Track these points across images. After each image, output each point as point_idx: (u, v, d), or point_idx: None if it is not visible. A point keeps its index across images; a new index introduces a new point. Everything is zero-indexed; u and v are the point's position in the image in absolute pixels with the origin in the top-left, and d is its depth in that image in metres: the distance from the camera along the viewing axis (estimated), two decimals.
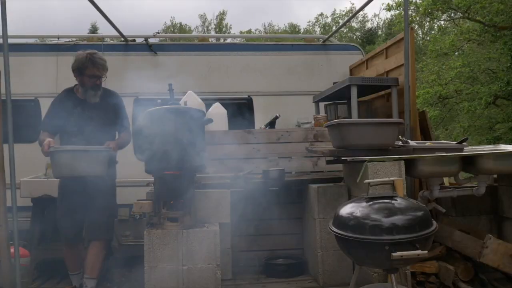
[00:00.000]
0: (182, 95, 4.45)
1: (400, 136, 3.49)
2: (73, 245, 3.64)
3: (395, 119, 4.25)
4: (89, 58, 3.54)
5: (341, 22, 29.14)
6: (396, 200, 2.48)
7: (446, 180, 4.25)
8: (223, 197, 3.53)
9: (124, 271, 4.57)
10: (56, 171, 3.32)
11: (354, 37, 30.95)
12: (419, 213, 2.41)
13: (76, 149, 3.31)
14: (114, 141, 3.59)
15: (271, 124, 5.10)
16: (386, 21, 30.27)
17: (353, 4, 31.46)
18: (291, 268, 3.86)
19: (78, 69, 3.55)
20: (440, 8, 14.50)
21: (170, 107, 3.27)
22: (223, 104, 4.74)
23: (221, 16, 36.15)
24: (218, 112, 4.60)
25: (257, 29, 36.72)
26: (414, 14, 15.41)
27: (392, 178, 2.67)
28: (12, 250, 3.42)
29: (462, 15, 14.73)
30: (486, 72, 15.12)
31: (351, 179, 3.50)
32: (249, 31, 34.05)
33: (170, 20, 35.90)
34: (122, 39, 5.57)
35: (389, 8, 16.73)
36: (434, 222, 2.46)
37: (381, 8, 33.22)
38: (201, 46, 5.91)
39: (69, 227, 3.54)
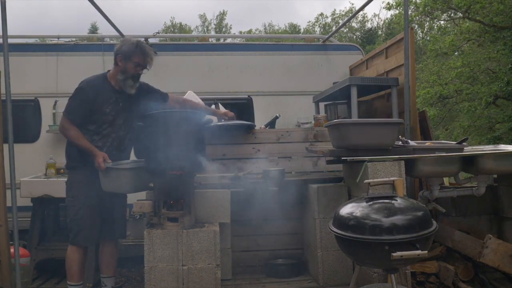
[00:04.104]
0: (182, 95, 4.45)
1: (400, 136, 3.49)
2: (87, 248, 3.44)
3: (395, 119, 4.24)
4: (139, 45, 3.36)
5: (341, 22, 29.14)
6: (396, 200, 2.48)
7: (446, 180, 4.25)
8: (223, 197, 3.53)
9: (124, 271, 4.58)
10: (111, 186, 3.26)
11: (354, 37, 30.93)
12: (419, 213, 2.41)
13: (137, 167, 3.27)
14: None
15: (271, 124, 5.10)
16: (386, 21, 30.29)
17: (352, 4, 31.45)
18: (291, 268, 3.86)
19: (125, 54, 3.32)
20: (440, 7, 14.50)
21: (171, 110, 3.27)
22: (223, 104, 4.74)
23: (221, 16, 36.16)
24: None
25: (257, 29, 36.73)
26: (414, 13, 15.40)
27: (392, 178, 2.67)
28: (12, 250, 3.42)
29: (462, 15, 14.74)
30: (486, 72, 15.12)
31: (351, 179, 3.50)
32: (250, 31, 34.05)
33: (170, 20, 35.88)
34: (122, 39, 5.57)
35: (389, 7, 16.75)
36: (434, 222, 2.46)
37: (381, 8, 33.25)
38: (201, 46, 5.91)
39: (92, 228, 3.33)
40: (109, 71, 3.47)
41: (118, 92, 3.40)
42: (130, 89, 3.40)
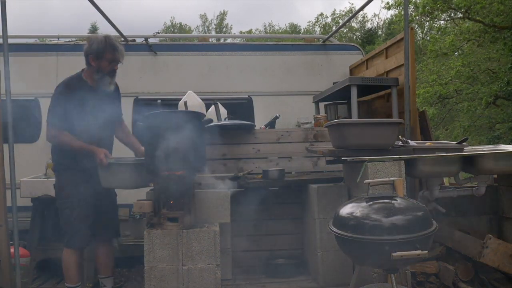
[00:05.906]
0: (182, 95, 4.45)
1: (400, 136, 3.49)
2: (82, 250, 3.44)
3: (395, 119, 4.25)
4: (109, 41, 3.32)
5: (341, 22, 29.14)
6: (396, 200, 2.48)
7: (446, 180, 4.25)
8: (223, 197, 3.53)
9: (124, 271, 4.58)
10: (112, 182, 3.27)
11: (354, 37, 30.92)
12: (419, 213, 2.41)
13: (139, 163, 3.27)
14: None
15: (271, 124, 5.10)
16: (386, 21, 30.28)
17: (352, 4, 31.46)
18: (291, 268, 3.86)
19: (96, 53, 3.29)
20: (440, 7, 14.50)
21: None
22: (223, 104, 4.74)
23: (222, 16, 36.18)
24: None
25: (257, 29, 36.77)
26: (414, 13, 15.40)
27: (392, 178, 2.67)
28: (12, 250, 3.42)
29: (462, 15, 14.74)
30: (486, 72, 15.13)
31: (351, 179, 3.50)
32: (250, 31, 34.06)
33: (170, 20, 35.99)
34: (122, 39, 5.57)
35: (388, 7, 16.75)
36: (434, 222, 2.46)
37: (381, 8, 33.26)
38: (201, 46, 5.91)
39: (86, 230, 3.32)
40: (83, 70, 3.43)
41: (95, 91, 3.37)
42: (109, 86, 3.39)
